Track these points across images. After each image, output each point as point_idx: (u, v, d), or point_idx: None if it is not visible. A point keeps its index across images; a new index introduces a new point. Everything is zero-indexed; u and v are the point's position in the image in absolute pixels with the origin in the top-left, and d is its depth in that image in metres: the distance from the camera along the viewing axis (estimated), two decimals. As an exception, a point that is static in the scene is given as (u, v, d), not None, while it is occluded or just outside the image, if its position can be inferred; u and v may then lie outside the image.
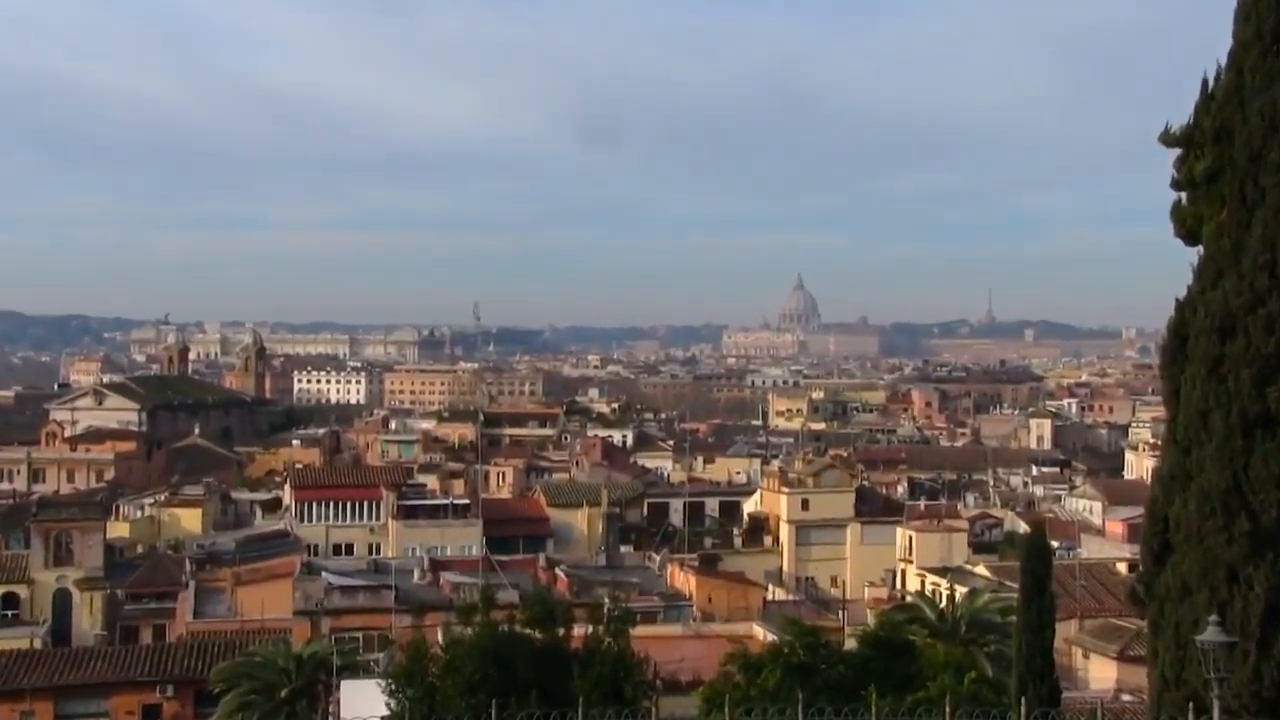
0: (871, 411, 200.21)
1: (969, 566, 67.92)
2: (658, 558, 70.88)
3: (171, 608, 64.04)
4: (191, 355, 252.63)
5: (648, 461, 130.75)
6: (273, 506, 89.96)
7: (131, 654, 53.99)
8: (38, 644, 58.99)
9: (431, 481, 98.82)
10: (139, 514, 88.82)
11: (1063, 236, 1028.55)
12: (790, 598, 69.36)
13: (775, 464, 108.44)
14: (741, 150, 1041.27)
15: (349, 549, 77.60)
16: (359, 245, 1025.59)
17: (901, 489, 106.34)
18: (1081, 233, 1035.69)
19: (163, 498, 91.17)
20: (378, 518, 79.23)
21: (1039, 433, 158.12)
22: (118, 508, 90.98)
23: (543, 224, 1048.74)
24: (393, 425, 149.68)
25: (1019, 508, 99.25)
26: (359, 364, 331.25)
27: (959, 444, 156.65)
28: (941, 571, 66.02)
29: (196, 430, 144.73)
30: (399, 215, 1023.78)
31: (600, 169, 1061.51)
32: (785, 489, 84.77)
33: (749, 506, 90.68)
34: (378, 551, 75.84)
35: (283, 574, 63.50)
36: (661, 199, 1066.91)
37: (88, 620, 65.14)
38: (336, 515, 79.45)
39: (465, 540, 76.00)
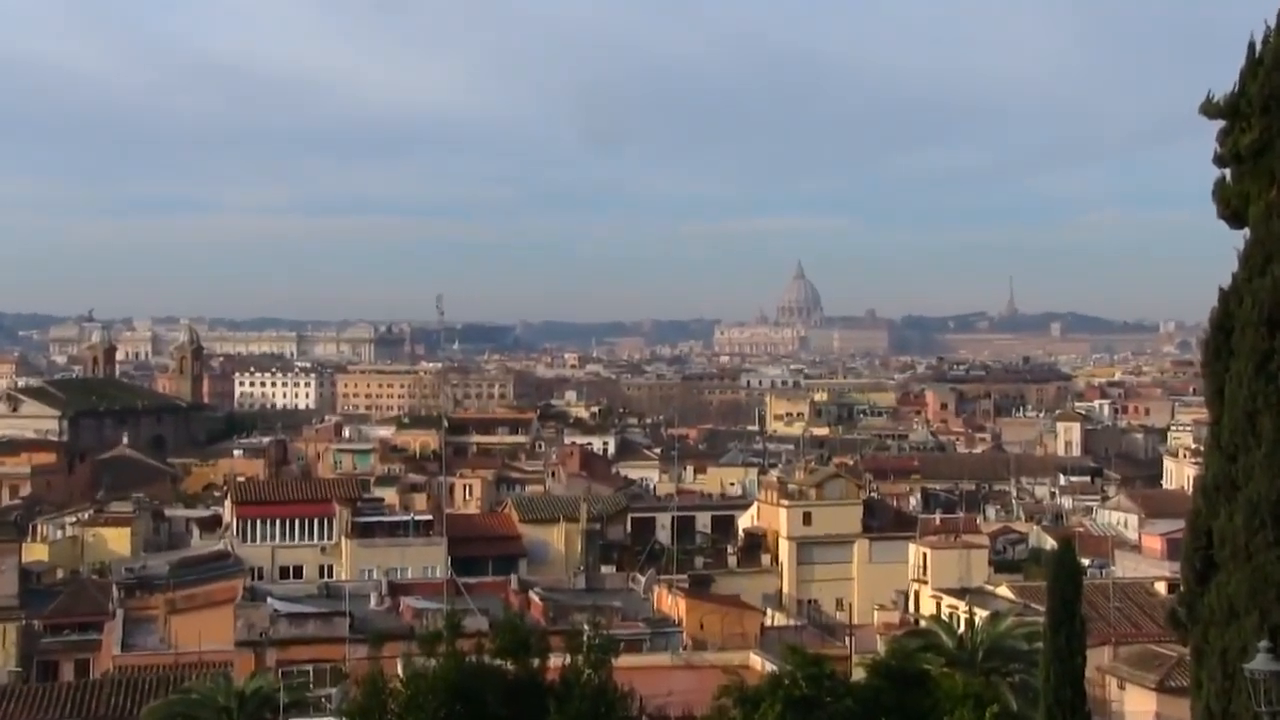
0: (880, 415, 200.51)
1: (990, 587, 67.98)
2: (643, 579, 70.77)
3: (97, 640, 63.73)
4: (119, 355, 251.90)
5: (631, 472, 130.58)
6: (211, 525, 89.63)
7: (50, 693, 53.67)
8: (-56, 682, 58.60)
9: (390, 495, 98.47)
10: (59, 534, 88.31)
11: (1093, 220, 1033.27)
12: (791, 623, 69.28)
13: (773, 474, 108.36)
14: (736, 126, 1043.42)
15: (297, 572, 77.29)
16: (308, 232, 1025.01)
17: (914, 501, 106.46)
18: (1113, 215, 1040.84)
19: (86, 516, 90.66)
20: (329, 537, 78.98)
21: (1067, 438, 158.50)
22: (35, 527, 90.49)
23: (515, 208, 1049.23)
24: (346, 433, 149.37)
25: (1045, 521, 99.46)
26: (308, 365, 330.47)
27: (978, 451, 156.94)
28: (959, 593, 66.06)
29: (125, 440, 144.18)
30: (353, 199, 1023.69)
31: (579, 148, 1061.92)
32: (785, 502, 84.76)
33: (744, 521, 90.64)
34: (330, 574, 75.50)
35: (222, 600, 63.26)
36: (647, 180, 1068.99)
37: (0, 656, 64.77)
38: (283, 534, 79.16)
39: (428, 561, 75.77)
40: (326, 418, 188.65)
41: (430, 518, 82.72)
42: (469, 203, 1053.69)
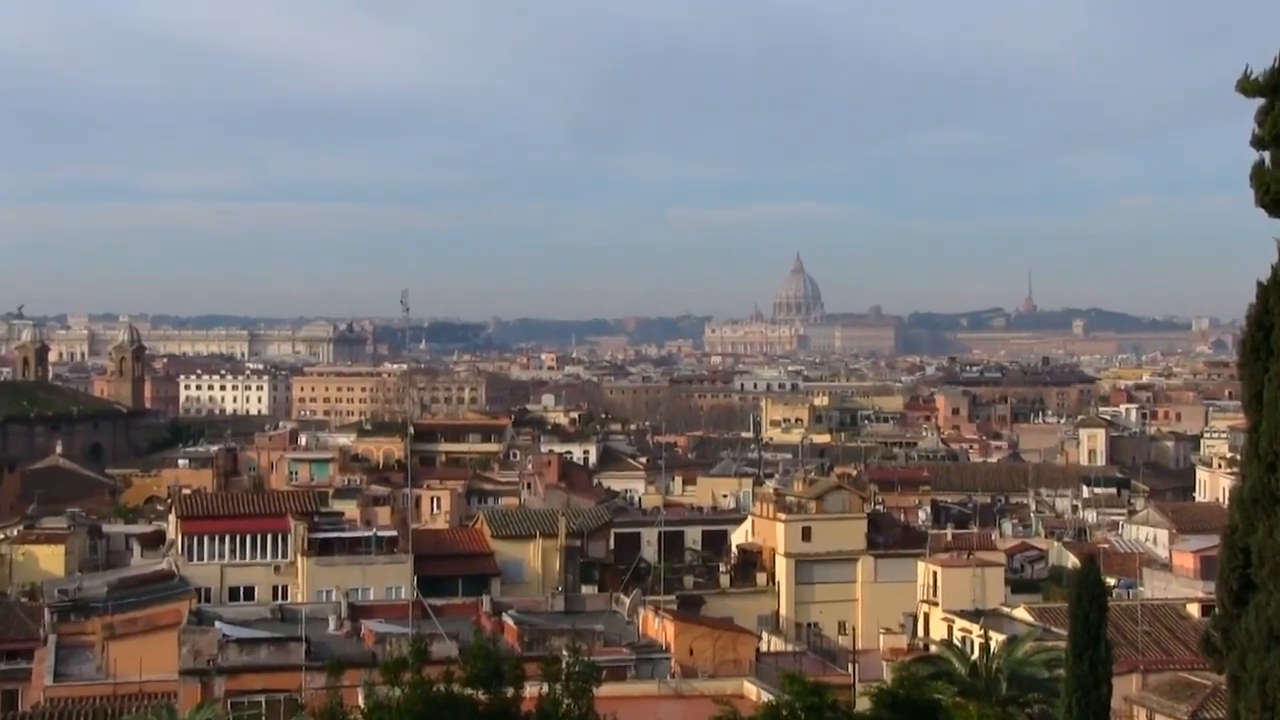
0: (887, 421, 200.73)
1: (1007, 609, 68.07)
2: (627, 600, 70.72)
3: (27, 669, 63.46)
4: (52, 356, 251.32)
5: (615, 483, 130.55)
6: (153, 542, 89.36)
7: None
8: None
9: (350, 509, 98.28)
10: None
11: (1119, 207, 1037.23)
12: (789, 648, 69.30)
13: (770, 485, 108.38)
14: (729, 103, 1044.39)
15: (248, 593, 77.17)
16: (260, 220, 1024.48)
17: (924, 515, 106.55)
18: (1142, 203, 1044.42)
19: (15, 532, 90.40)
20: (284, 555, 78.80)
21: (1091, 445, 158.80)
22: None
23: (487, 195, 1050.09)
24: (302, 440, 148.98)
25: (1067, 537, 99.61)
26: (260, 366, 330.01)
27: (993, 460, 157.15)
28: (973, 615, 66.13)
29: (59, 449, 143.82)
30: (309, 184, 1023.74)
31: (557, 128, 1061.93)
32: (782, 516, 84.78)
33: (738, 537, 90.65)
34: (284, 596, 75.49)
35: (166, 625, 63.05)
36: (632, 163, 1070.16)
37: (-78, 685, 64.48)
38: (233, 552, 78.94)
39: (392, 581, 75.68)
40: (281, 424, 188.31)
41: (394, 533, 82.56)
42: (437, 189, 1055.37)
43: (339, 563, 77.78)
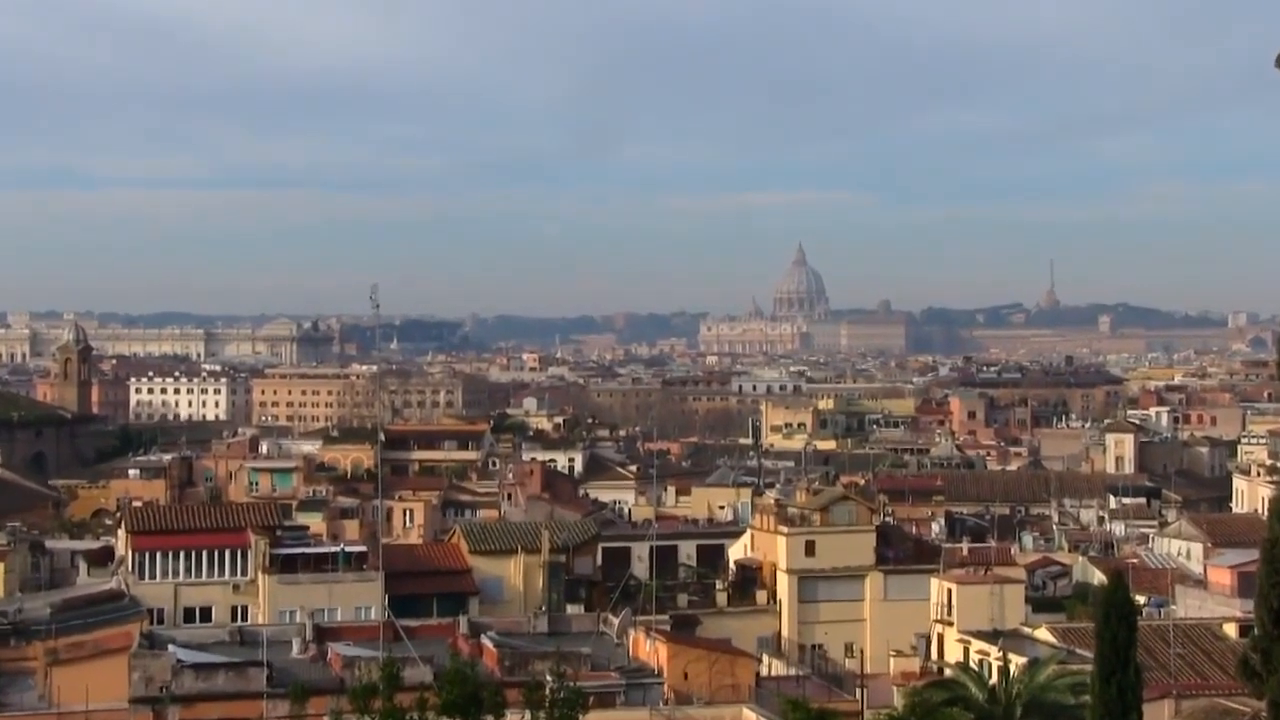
0: (897, 425, 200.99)
1: (1027, 630, 68.13)
2: (616, 621, 70.72)
3: (-36, 696, 63.29)
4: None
5: (602, 494, 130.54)
6: (101, 559, 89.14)
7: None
8: None
9: (316, 523, 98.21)
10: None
11: (1150, 194, 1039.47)
12: (792, 672, 69.31)
13: (770, 496, 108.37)
14: (727, 81, 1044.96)
15: (205, 614, 77.02)
16: (217, 209, 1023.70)
17: (937, 528, 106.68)
18: (1174, 189, 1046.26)
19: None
20: (243, 572, 78.66)
21: (1118, 452, 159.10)
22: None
23: (462, 182, 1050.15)
24: (264, 448, 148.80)
25: (1093, 551, 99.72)
26: (218, 368, 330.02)
27: (1012, 468, 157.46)
28: (991, 636, 66.17)
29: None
30: (270, 170, 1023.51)
31: (540, 109, 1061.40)
32: (784, 529, 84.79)
33: (736, 552, 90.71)
34: (244, 617, 75.39)
35: (115, 649, 62.92)
36: (620, 148, 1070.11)
37: None
38: (188, 569, 78.75)
39: (361, 600, 75.64)
40: (240, 431, 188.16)
41: (364, 549, 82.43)
42: (409, 175, 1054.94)
43: (303, 581, 77.64)
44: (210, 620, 75.71)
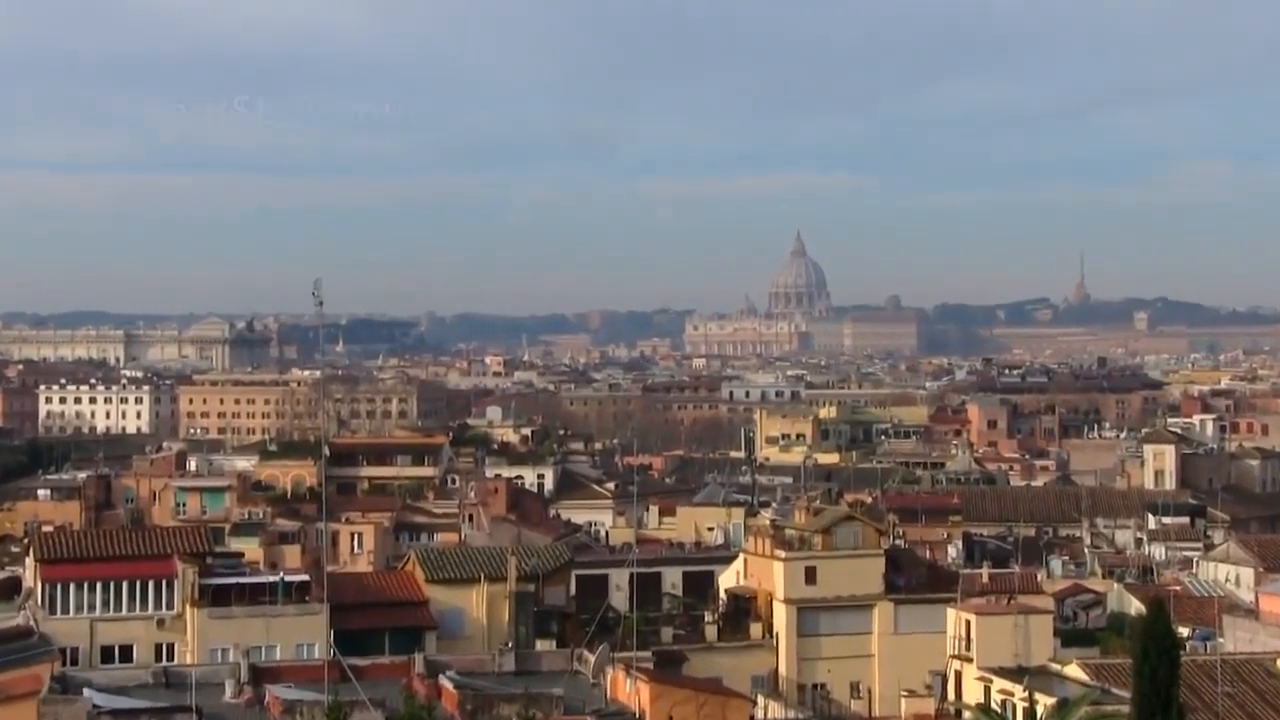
0: (908, 436, 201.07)
1: (1056, 666, 68.22)
2: (592, 658, 70.73)
3: None
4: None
5: (577, 514, 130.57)
6: (6, 591, 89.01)
7: None
8: None
9: (252, 549, 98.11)
10: None
11: (1192, 176, 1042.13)
12: (791, 714, 69.33)
13: (766, 516, 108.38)
14: (713, 52, 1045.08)
15: (125, 653, 76.86)
16: (138, 195, 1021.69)
17: (954, 551, 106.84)
18: (1220, 170, 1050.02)
19: None
20: (169, 606, 78.55)
21: (1158, 465, 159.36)
22: None
23: (419, 165, 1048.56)
24: (192, 465, 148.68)
25: (1129, 577, 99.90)
26: (140, 374, 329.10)
27: (1038, 484, 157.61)
28: (1016, 674, 66.25)
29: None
30: (200, 149, 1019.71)
31: (505, 84, 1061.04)
32: (781, 553, 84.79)
33: (727, 580, 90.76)
34: (169, 656, 75.27)
35: (22, 694, 62.55)
36: (596, 127, 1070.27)
37: None
38: (106, 603, 78.57)
39: (303, 636, 75.54)
40: (165, 445, 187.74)
41: (306, 578, 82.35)
42: (359, 158, 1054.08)
43: (237, 615, 77.52)
44: (131, 660, 75.52)
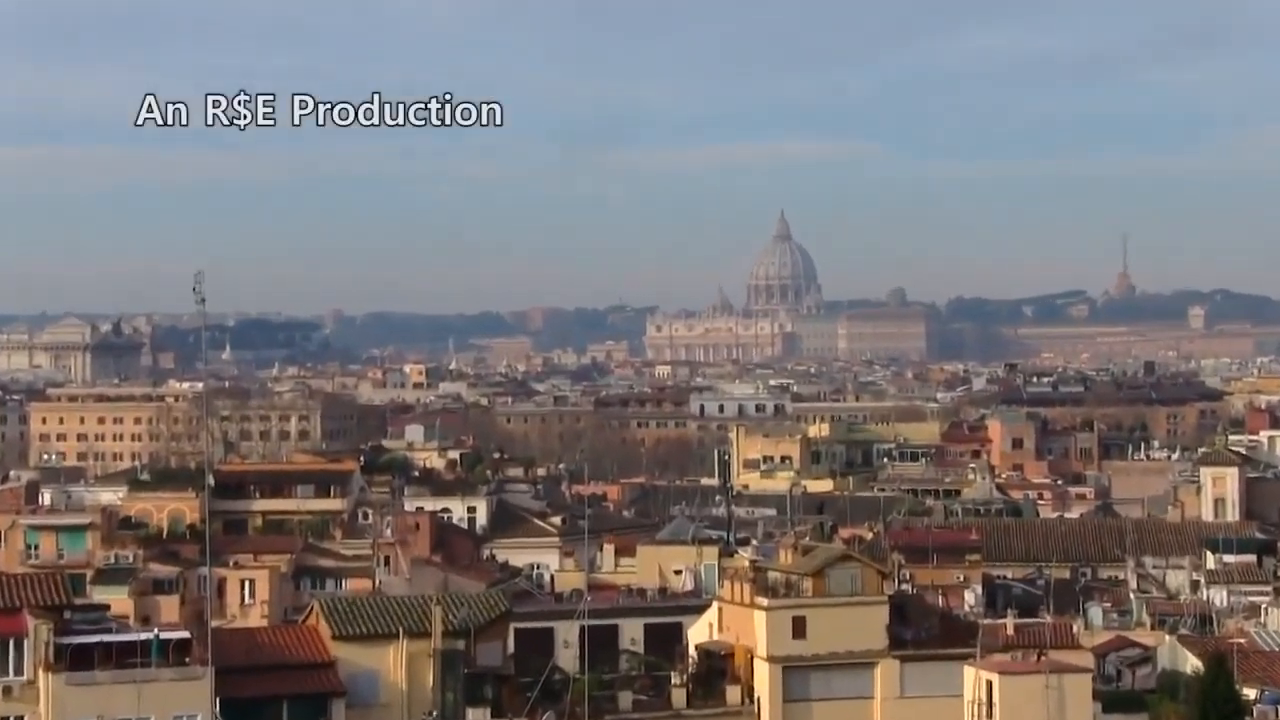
0: (916, 458, 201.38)
1: (1096, 735, 68.44)
2: (535, 731, 70.94)
3: None
4: None
5: (515, 555, 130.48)
6: None
7: None
8: None
9: (120, 600, 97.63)
10: None
11: (1256, 143, 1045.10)
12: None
13: (745, 556, 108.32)
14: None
15: (-35, 728, 76.81)
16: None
17: (972, 597, 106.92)
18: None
19: None
20: (18, 670, 78.43)
21: (1218, 493, 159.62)
22: None
23: (324, 133, 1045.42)
24: (46, 498, 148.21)
25: (1184, 628, 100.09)
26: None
27: (1073, 515, 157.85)
28: (1048, 745, 66.51)
29: None
30: (58, 117, 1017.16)
31: (425, 30, 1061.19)
32: (763, 601, 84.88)
33: (699, 634, 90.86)
34: (19, 730, 75.11)
35: None
36: (533, 85, 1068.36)
37: None
38: (-59, 665, 78.56)
39: (183, 706, 75.68)
40: (13, 474, 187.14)
41: (186, 635, 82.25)
42: (249, 124, 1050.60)
43: (102, 681, 77.39)
44: (-27, 735, 75.46)
